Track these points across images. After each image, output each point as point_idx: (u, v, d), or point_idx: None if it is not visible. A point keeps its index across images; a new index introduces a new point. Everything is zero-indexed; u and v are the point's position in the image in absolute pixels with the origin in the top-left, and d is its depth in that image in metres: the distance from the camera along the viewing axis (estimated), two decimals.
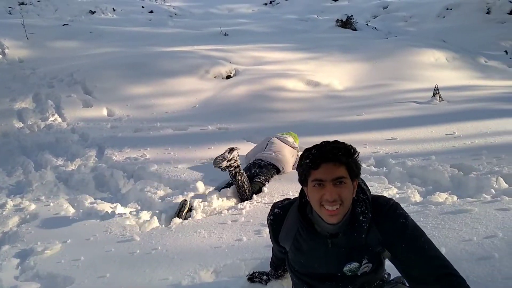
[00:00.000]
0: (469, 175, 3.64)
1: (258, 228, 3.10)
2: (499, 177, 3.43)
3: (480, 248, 2.33)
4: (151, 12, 16.43)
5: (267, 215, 1.91)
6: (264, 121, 6.31)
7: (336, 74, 8.43)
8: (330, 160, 1.48)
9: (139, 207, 3.90)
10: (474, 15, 13.88)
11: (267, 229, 3.02)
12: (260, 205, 3.64)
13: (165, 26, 14.04)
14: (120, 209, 3.80)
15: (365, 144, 4.83)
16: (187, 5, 18.84)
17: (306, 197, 1.61)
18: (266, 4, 20.06)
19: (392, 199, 1.64)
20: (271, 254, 2.29)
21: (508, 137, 4.53)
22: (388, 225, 1.56)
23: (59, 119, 6.65)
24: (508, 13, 13.75)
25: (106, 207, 3.82)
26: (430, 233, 2.60)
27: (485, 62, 9.70)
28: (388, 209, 1.58)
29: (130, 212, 3.75)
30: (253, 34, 12.61)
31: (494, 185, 3.35)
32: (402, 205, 3.20)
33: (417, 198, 3.42)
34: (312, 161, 1.50)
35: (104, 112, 7.05)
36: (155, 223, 3.48)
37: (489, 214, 2.72)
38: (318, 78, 8.03)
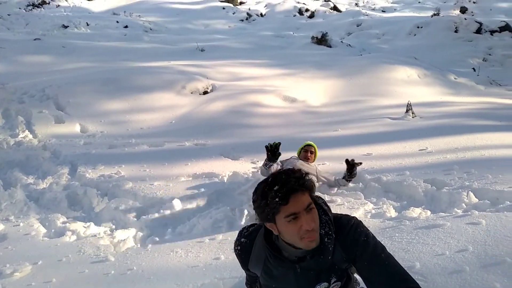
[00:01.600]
0: (441, 190, 3.74)
1: None
2: (470, 191, 3.54)
3: (452, 262, 2.39)
4: (126, 27, 16.33)
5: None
6: (242, 136, 6.31)
7: (312, 90, 8.56)
8: (297, 190, 1.45)
9: (114, 226, 3.82)
10: (443, 34, 14.46)
11: None
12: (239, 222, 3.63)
13: (141, 41, 13.97)
14: (93, 228, 3.71)
15: (341, 160, 4.89)
16: (163, 20, 18.84)
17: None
18: (242, 20, 20.30)
19: (354, 217, 1.66)
20: None
21: (477, 152, 4.68)
22: (350, 244, 1.57)
23: (30, 136, 6.45)
24: (474, 32, 14.39)
25: (79, 226, 3.72)
26: (405, 248, 2.65)
27: (455, 78, 10.07)
28: (350, 228, 1.59)
29: (104, 232, 3.67)
30: (229, 50, 12.71)
31: (465, 200, 3.44)
32: (378, 220, 3.28)
33: (392, 213, 3.49)
34: (282, 197, 1.44)
35: (77, 128, 6.90)
36: (130, 242, 3.40)
37: (461, 228, 2.79)
38: (294, 94, 8.13)
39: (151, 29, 16.70)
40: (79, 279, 2.79)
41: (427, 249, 2.59)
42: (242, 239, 1.78)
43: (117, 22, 16.72)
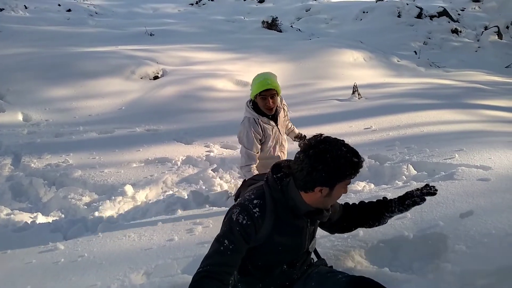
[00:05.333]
0: (384, 165, 3.98)
1: (190, 226, 3.11)
2: (409, 164, 3.80)
3: (392, 228, 2.57)
4: (69, 10, 15.48)
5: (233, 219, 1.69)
6: (194, 121, 6.29)
7: None
8: None
9: (63, 216, 3.72)
10: (387, 18, 15.00)
11: (199, 227, 3.07)
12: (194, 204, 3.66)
13: (85, 26, 13.32)
14: (41, 218, 3.60)
15: (292, 141, 5.02)
16: (109, 3, 18.05)
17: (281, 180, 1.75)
18: (192, 4, 19.88)
19: None
20: (203, 252, 1.89)
21: (417, 128, 5.01)
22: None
23: None
24: (415, 17, 15.05)
25: (25, 217, 3.59)
26: None
27: (398, 61, 10.55)
28: None
29: (53, 222, 3.56)
30: (180, 34, 12.44)
31: (405, 172, 3.69)
32: None
33: None
34: (358, 170, 1.68)
35: (20, 117, 6.53)
36: (81, 230, 3.33)
37: None
38: (246, 78, 8.15)
39: (96, 13, 15.95)
40: (25, 269, 2.70)
41: None
42: (254, 210, 1.71)
43: (59, 5, 15.79)
